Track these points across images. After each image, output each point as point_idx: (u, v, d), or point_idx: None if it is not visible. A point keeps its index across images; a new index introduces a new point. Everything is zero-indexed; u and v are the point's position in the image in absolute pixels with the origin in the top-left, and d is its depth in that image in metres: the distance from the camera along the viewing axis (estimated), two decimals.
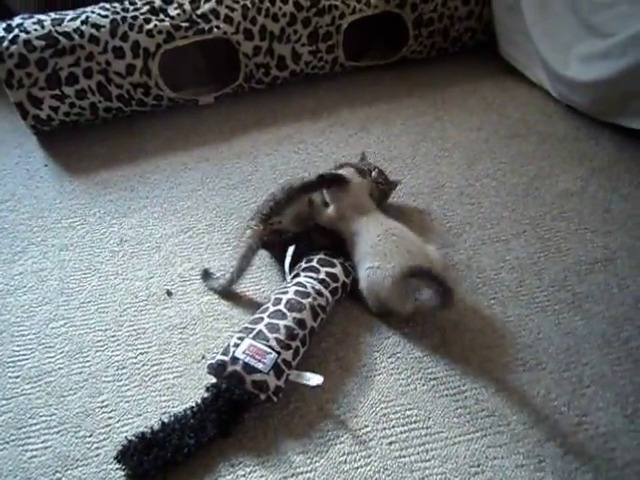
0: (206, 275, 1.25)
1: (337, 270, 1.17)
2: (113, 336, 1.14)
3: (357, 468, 0.92)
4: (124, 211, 1.47)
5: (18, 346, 1.13)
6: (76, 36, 1.64)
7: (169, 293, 1.23)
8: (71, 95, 1.67)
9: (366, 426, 0.97)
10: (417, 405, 1.00)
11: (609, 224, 1.37)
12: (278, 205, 1.22)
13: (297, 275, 1.16)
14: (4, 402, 1.03)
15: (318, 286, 1.12)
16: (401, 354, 1.08)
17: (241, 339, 1.01)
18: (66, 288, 1.26)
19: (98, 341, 1.13)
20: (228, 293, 1.22)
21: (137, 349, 1.12)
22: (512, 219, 1.40)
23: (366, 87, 1.99)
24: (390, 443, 0.95)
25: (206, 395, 0.97)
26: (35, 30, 1.62)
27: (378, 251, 1.11)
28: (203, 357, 1.09)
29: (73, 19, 1.67)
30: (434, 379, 1.04)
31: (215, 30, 1.77)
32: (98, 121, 1.79)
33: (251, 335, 1.01)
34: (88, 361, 1.09)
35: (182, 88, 1.87)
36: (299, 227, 1.24)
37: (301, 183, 1.24)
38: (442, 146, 1.67)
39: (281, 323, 1.03)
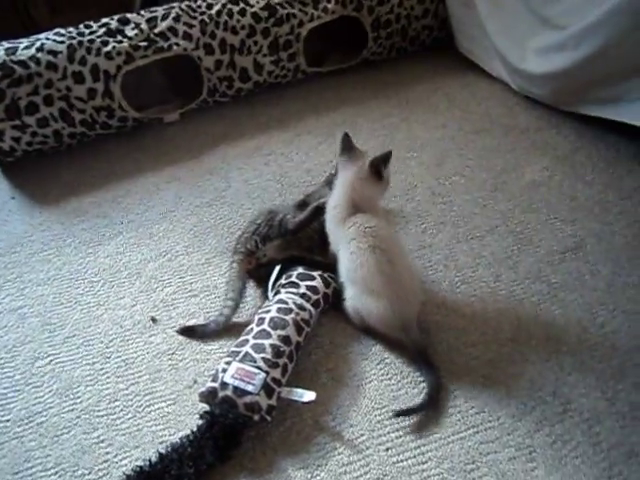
0: (191, 330, 1.19)
1: (317, 282, 1.19)
2: (102, 369, 1.14)
3: (357, 477, 0.94)
4: (99, 239, 1.46)
5: (5, 388, 1.11)
6: (32, 64, 1.61)
7: (154, 320, 1.23)
8: (32, 124, 1.64)
9: (362, 435, 0.99)
10: None
11: (576, 212, 1.42)
12: (264, 239, 1.24)
13: (278, 292, 1.18)
14: None
15: (299, 300, 1.14)
16: (389, 359, 1.11)
17: (228, 363, 1.02)
18: (48, 324, 1.24)
19: (87, 376, 1.13)
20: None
21: (128, 380, 1.11)
22: (484, 215, 1.43)
23: (330, 92, 2.01)
24: (387, 449, 0.97)
25: (201, 422, 0.97)
26: None
27: (366, 280, 1.07)
28: (195, 382, 1.09)
29: (27, 47, 1.64)
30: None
31: (175, 47, 1.76)
32: (63, 147, 1.76)
33: (238, 358, 1.02)
34: (79, 397, 1.09)
35: (145, 107, 1.86)
36: (283, 254, 1.24)
37: (297, 222, 1.23)
38: (410, 147, 1.70)
39: (266, 342, 1.04)
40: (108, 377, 1.12)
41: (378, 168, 1.14)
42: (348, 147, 1.18)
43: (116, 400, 1.08)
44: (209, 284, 1.30)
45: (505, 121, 1.78)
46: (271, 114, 1.92)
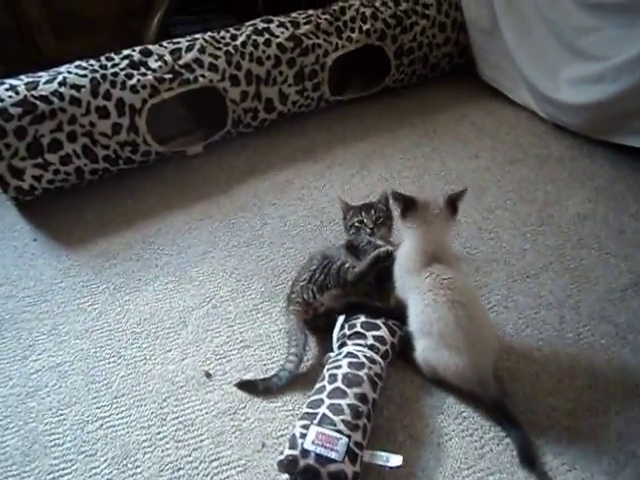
0: (252, 384, 1.12)
1: (383, 332, 1.13)
2: (158, 433, 1.06)
3: None
4: (135, 285, 1.38)
5: (55, 459, 1.02)
6: (55, 99, 1.54)
7: (208, 375, 1.16)
8: (55, 162, 1.56)
9: None
10: (498, 468, 0.97)
11: (627, 246, 1.40)
12: (321, 289, 1.18)
13: (344, 344, 1.12)
14: None
15: (369, 353, 1.08)
16: (466, 413, 1.06)
17: (306, 427, 0.95)
18: (93, 382, 1.16)
19: (143, 441, 1.05)
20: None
21: (189, 445, 1.04)
22: (535, 251, 1.40)
23: (354, 121, 1.98)
24: None
25: None
26: (9, 97, 1.51)
27: (443, 334, 1.02)
28: (263, 445, 1.02)
29: (49, 81, 1.56)
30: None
31: (201, 79, 1.70)
32: (83, 184, 1.68)
33: (316, 421, 0.96)
34: (138, 466, 1.01)
35: (166, 139, 1.79)
36: (341, 301, 1.19)
37: (358, 273, 1.16)
38: (446, 179, 1.67)
39: (344, 402, 0.98)
40: (167, 442, 1.04)
41: (455, 203, 1.11)
42: (407, 202, 1.10)
43: (180, 469, 1.00)
44: (261, 333, 1.24)
45: (537, 151, 1.76)
46: (296, 145, 1.87)
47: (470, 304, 1.03)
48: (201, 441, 1.04)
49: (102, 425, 1.08)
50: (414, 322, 1.08)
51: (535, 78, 1.79)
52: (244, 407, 1.09)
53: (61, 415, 1.10)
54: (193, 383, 1.14)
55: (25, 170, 1.54)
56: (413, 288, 1.07)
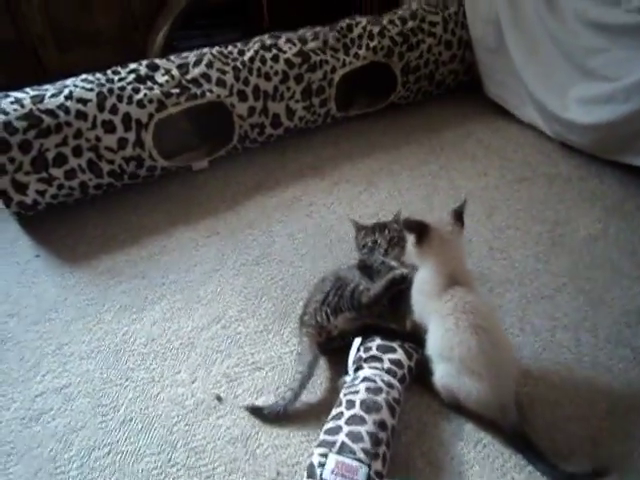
0: (260, 410, 1.08)
1: (399, 355, 1.11)
2: (169, 460, 1.02)
3: None
4: (141, 304, 1.35)
5: None
6: (61, 113, 1.51)
7: (219, 398, 1.13)
8: (59, 176, 1.54)
9: None
10: None
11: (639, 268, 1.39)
12: (335, 311, 1.15)
13: (360, 367, 1.09)
14: None
15: (387, 377, 1.06)
16: (486, 440, 1.03)
17: (324, 455, 0.92)
18: (99, 405, 1.12)
19: (153, 469, 1.01)
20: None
21: (201, 473, 1.00)
22: (548, 271, 1.39)
23: (360, 138, 1.97)
24: None
25: None
26: (14, 110, 1.48)
27: (465, 360, 0.99)
28: (278, 473, 0.99)
29: (55, 95, 1.54)
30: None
31: (208, 94, 1.68)
32: (87, 199, 1.65)
33: (335, 449, 0.93)
34: None
35: (171, 154, 1.77)
36: (355, 324, 1.16)
37: (372, 296, 1.14)
38: (455, 197, 1.65)
39: (363, 430, 0.95)
40: (178, 470, 1.01)
41: (461, 216, 1.10)
42: (422, 229, 1.08)
43: None
44: (272, 355, 1.21)
45: (546, 169, 1.76)
46: (303, 161, 1.86)
47: (492, 328, 1.01)
48: (214, 469, 1.01)
49: (110, 451, 1.04)
50: (433, 346, 1.05)
51: (543, 96, 1.79)
52: (257, 433, 1.06)
53: (67, 441, 1.06)
54: (204, 407, 1.11)
55: (29, 185, 1.51)
56: (433, 312, 1.05)
